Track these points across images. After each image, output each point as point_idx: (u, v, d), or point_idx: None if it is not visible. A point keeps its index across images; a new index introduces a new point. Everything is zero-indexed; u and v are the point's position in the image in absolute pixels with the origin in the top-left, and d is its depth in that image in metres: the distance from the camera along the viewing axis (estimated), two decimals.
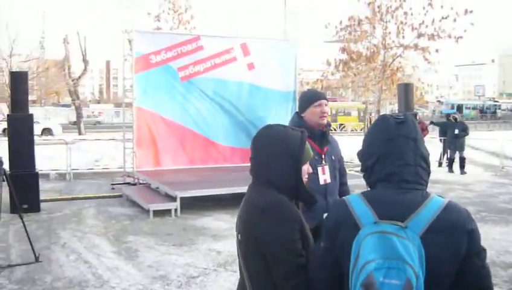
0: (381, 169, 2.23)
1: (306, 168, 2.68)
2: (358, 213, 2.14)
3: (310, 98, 4.56)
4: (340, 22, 23.88)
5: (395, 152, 2.21)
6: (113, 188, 14.42)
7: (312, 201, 2.71)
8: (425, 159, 2.24)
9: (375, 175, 2.26)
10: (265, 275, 2.47)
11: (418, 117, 19.31)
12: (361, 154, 2.36)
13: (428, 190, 2.22)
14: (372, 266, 1.93)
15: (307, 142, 2.69)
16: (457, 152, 19.22)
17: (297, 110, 4.80)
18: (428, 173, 2.26)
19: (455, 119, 19.98)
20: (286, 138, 2.64)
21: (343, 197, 2.29)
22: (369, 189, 2.31)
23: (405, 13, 22.55)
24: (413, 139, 2.23)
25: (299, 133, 2.69)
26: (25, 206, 9.46)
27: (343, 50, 24.22)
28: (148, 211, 11.13)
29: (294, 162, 2.61)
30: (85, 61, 35.64)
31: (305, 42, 17.58)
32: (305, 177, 2.68)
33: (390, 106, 46.69)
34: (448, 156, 19.91)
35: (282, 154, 2.60)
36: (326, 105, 4.55)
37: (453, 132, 19.22)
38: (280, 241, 2.43)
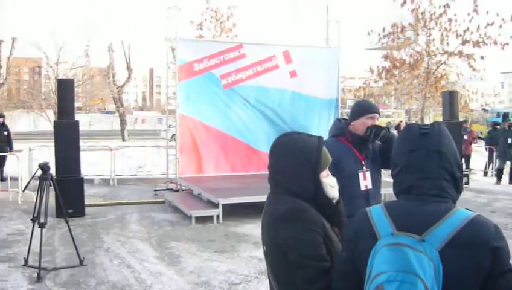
0: (403, 181, 2.20)
1: (325, 174, 2.67)
2: (378, 224, 2.12)
3: (364, 110, 4.61)
4: (383, 29, 23.71)
5: (416, 165, 2.17)
6: (155, 194, 14.58)
7: (331, 207, 2.68)
8: (451, 172, 2.17)
9: (398, 186, 2.24)
10: (292, 283, 2.47)
11: (466, 125, 18.69)
12: (391, 163, 2.34)
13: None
14: (384, 277, 1.91)
15: (324, 148, 2.68)
16: (507, 162, 18.40)
17: (339, 117, 4.87)
18: (456, 186, 2.19)
19: (510, 127, 19.01)
20: (303, 145, 2.64)
21: (366, 208, 2.27)
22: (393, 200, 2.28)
23: (449, 20, 22.25)
24: (437, 151, 2.16)
25: (316, 140, 2.69)
26: (70, 210, 9.63)
27: (386, 57, 24.02)
28: (190, 217, 11.21)
29: (312, 169, 2.61)
30: (129, 69, 36.14)
31: (346, 49, 17.65)
32: (330, 185, 2.67)
33: (434, 114, 46.06)
34: (497, 166, 18.90)
35: (299, 162, 2.60)
36: (377, 119, 4.61)
37: (506, 141, 18.20)
38: (302, 247, 2.43)
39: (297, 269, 2.43)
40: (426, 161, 2.15)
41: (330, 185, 2.67)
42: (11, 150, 16.66)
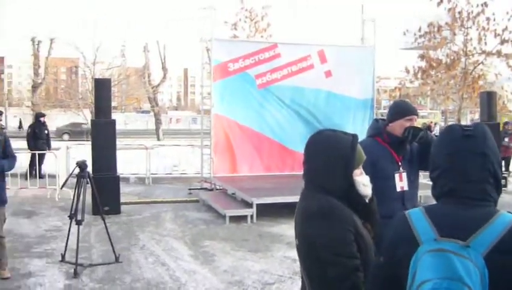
0: (444, 184, 2.13)
1: (358, 172, 2.67)
2: (419, 229, 2.04)
3: (403, 111, 4.56)
4: (419, 29, 23.48)
5: (458, 168, 2.09)
6: (190, 193, 14.68)
7: (364, 205, 2.67)
8: (494, 175, 2.10)
9: (438, 189, 2.16)
10: (324, 279, 2.47)
11: (509, 127, 18.25)
12: (430, 164, 2.25)
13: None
14: (429, 286, 1.85)
15: (358, 146, 2.68)
16: None
17: (375, 117, 4.84)
18: (498, 189, 2.12)
19: None
20: (337, 143, 2.64)
21: (405, 212, 2.19)
22: (433, 203, 2.21)
23: (487, 19, 21.94)
24: (481, 154, 2.09)
25: (351, 137, 2.67)
26: (106, 208, 9.75)
27: (422, 57, 23.79)
28: (224, 217, 11.26)
29: (346, 166, 2.60)
30: (164, 69, 36.46)
31: (381, 49, 17.54)
32: (363, 183, 2.66)
33: (471, 115, 45.48)
34: None
35: (333, 159, 2.60)
36: (415, 121, 4.58)
37: None
38: (333, 244, 2.43)
39: (327, 266, 2.43)
40: (469, 163, 2.09)
41: (363, 183, 2.67)
42: (49, 148, 16.95)
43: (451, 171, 2.11)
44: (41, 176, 15.39)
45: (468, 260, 1.86)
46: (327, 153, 2.62)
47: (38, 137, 16.95)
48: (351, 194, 2.61)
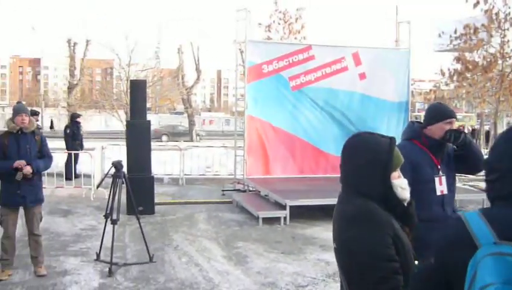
0: (502, 187, 2.06)
1: (396, 175, 2.64)
2: (476, 232, 1.98)
3: (443, 114, 4.51)
4: (455, 31, 23.16)
5: None
6: (223, 194, 14.73)
7: (402, 209, 2.64)
8: None
9: (496, 192, 2.10)
10: (363, 282, 2.45)
11: None
12: (485, 166, 2.18)
13: None
14: None
15: (396, 149, 2.65)
16: None
17: (410, 120, 4.79)
18: None
19: None
20: (375, 145, 2.62)
21: (460, 215, 2.13)
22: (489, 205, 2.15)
23: None
24: None
25: (388, 140, 2.66)
26: (140, 208, 9.83)
27: (458, 59, 23.45)
28: (257, 218, 11.26)
29: (383, 170, 2.58)
30: (198, 70, 36.63)
31: (415, 51, 17.24)
32: (400, 187, 2.63)
33: (508, 118, 44.74)
34: None
35: (370, 162, 2.58)
36: (455, 124, 4.55)
37: None
38: (372, 248, 2.41)
39: (366, 270, 2.42)
40: None
41: (401, 186, 2.64)
42: (81, 148, 17.15)
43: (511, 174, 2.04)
44: (76, 176, 15.60)
45: None
46: (365, 156, 2.60)
47: (75, 138, 17.18)
48: (389, 197, 2.60)
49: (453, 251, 2.03)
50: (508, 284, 1.78)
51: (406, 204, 2.67)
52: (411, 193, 2.71)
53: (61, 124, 21.15)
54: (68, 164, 15.82)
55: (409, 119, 14.96)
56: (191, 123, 36.26)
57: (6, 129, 7.41)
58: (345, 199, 2.67)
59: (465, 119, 61.54)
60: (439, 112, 4.56)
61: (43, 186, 7.98)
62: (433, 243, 2.19)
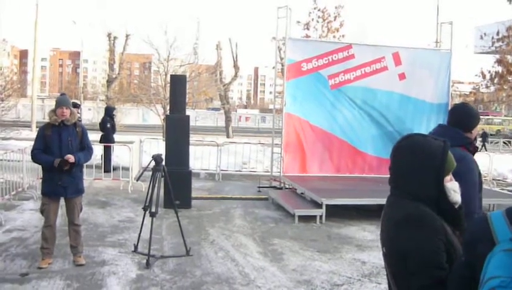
0: None
1: (448, 179, 2.61)
2: (497, 229, 2.06)
3: (479, 116, 4.55)
4: (497, 33, 22.81)
5: None
6: (259, 191, 14.75)
7: (454, 212, 2.62)
8: None
9: None
10: (409, 288, 2.43)
11: None
12: None
13: None
14: (496, 282, 1.85)
15: (449, 152, 2.62)
16: None
17: (443, 122, 4.69)
18: None
19: None
20: (428, 148, 2.59)
21: (487, 213, 2.21)
22: None
23: None
24: None
25: (441, 143, 2.62)
26: (177, 202, 9.88)
27: (500, 62, 23.09)
28: (293, 216, 11.26)
29: (436, 173, 2.56)
30: (236, 67, 36.69)
31: (455, 52, 16.97)
32: (453, 190, 2.60)
33: None
34: None
35: (423, 165, 2.55)
36: None
37: None
38: (422, 254, 2.39)
39: (413, 276, 2.40)
40: None
41: (453, 189, 2.62)
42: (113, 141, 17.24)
43: None
44: (114, 169, 15.79)
45: None
46: (418, 159, 2.58)
47: (113, 131, 17.36)
48: (441, 201, 2.57)
49: (476, 247, 2.11)
50: None
51: (457, 207, 2.64)
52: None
53: (100, 116, 21.39)
54: (107, 157, 15.99)
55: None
56: (228, 119, 36.34)
57: (48, 121, 7.55)
58: (395, 202, 2.65)
59: (504, 123, 60.61)
60: (477, 114, 4.53)
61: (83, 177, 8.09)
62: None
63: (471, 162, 4.20)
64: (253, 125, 62.59)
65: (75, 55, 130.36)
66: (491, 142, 37.57)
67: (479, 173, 4.27)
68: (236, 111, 78.27)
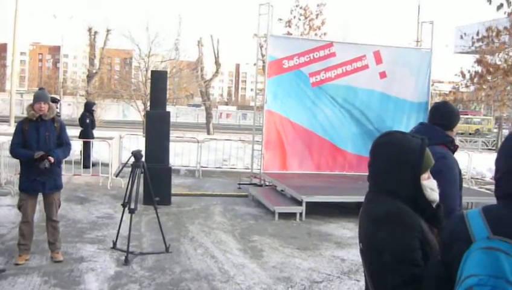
0: (503, 185, 2.13)
1: (426, 177, 2.61)
2: (473, 228, 2.05)
3: (459, 115, 4.56)
4: (477, 33, 22.97)
5: None
6: (239, 188, 14.75)
7: (431, 211, 2.61)
8: None
9: (499, 190, 2.17)
10: (384, 285, 2.43)
11: None
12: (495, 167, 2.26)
13: None
14: (474, 280, 1.86)
15: (427, 150, 2.62)
16: None
17: (423, 121, 4.70)
18: None
19: None
20: (405, 145, 2.58)
21: (463, 211, 2.21)
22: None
23: None
24: None
25: (419, 141, 2.62)
26: (157, 199, 9.85)
27: (479, 62, 23.25)
28: (273, 213, 11.27)
29: (413, 170, 2.55)
30: (217, 63, 36.60)
31: (435, 52, 16.96)
32: (430, 188, 2.60)
33: None
34: None
35: (400, 162, 2.55)
36: None
37: None
38: (398, 251, 2.39)
39: (388, 272, 2.40)
40: None
41: (430, 187, 2.62)
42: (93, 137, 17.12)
43: (511, 174, 2.10)
44: (93, 164, 15.69)
45: None
46: (395, 156, 2.57)
47: (92, 126, 17.24)
48: (418, 198, 2.57)
49: (453, 245, 2.10)
50: (493, 277, 1.83)
51: (434, 206, 2.65)
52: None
53: (79, 112, 21.23)
54: (86, 153, 15.87)
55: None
56: (208, 116, 36.24)
57: (26, 116, 7.47)
58: (373, 198, 2.64)
59: (483, 122, 61.20)
60: (458, 115, 4.54)
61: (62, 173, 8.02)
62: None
63: (452, 160, 4.21)
64: (234, 122, 62.53)
65: (55, 50, 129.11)
66: (470, 141, 37.89)
67: (459, 172, 4.29)
68: (217, 108, 78.08)
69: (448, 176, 3.93)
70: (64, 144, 7.55)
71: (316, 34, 28.42)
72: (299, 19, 29.36)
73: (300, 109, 14.92)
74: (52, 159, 7.20)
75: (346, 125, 15.31)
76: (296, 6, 29.38)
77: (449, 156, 4.21)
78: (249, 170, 16.05)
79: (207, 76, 37.80)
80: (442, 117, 4.45)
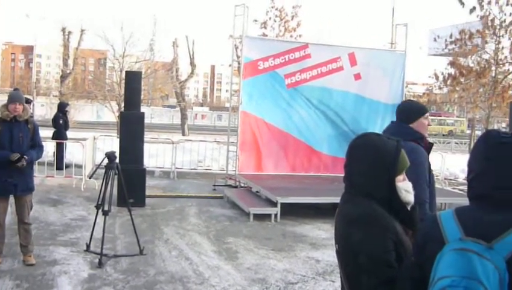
0: (476, 187, 2.16)
1: (401, 178, 2.61)
2: (446, 229, 2.08)
3: (420, 110, 4.54)
4: (451, 35, 23.23)
5: (490, 173, 2.11)
6: (214, 189, 14.70)
7: (406, 212, 2.61)
8: None
9: (471, 192, 2.19)
10: (359, 286, 2.43)
11: None
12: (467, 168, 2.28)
13: None
14: (447, 282, 1.88)
15: (402, 152, 2.62)
16: None
17: (393, 120, 4.72)
18: None
19: None
20: (381, 147, 2.58)
21: (436, 213, 2.23)
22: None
23: None
24: None
25: (395, 142, 2.62)
26: (131, 200, 9.77)
27: (452, 64, 23.50)
28: (248, 214, 11.26)
29: (387, 172, 2.55)
30: (192, 64, 36.49)
31: (409, 54, 17.16)
32: (404, 189, 2.61)
33: (498, 124, 44.95)
34: None
35: (375, 164, 2.55)
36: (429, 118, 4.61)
37: None
38: (371, 252, 2.39)
39: (362, 274, 2.40)
40: (501, 170, 2.09)
41: (405, 189, 2.62)
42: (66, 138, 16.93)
43: (485, 176, 2.13)
44: (67, 166, 15.53)
45: (489, 261, 1.88)
46: (371, 157, 2.57)
47: (65, 127, 17.06)
48: (392, 200, 2.57)
49: (426, 247, 2.13)
50: (466, 278, 1.85)
51: (409, 208, 2.65)
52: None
53: (53, 112, 20.97)
54: (59, 154, 15.70)
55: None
56: (183, 117, 36.10)
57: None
58: (348, 199, 2.64)
59: (456, 124, 61.89)
60: (417, 108, 4.57)
61: (34, 175, 7.91)
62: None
63: (422, 154, 4.25)
64: (209, 123, 62.42)
65: (28, 50, 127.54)
66: (443, 143, 38.27)
67: (429, 168, 4.30)
68: (192, 109, 77.86)
69: (417, 168, 3.94)
70: (37, 145, 7.47)
71: (291, 36, 28.45)
72: (275, 21, 29.40)
73: (275, 110, 14.95)
74: (27, 158, 7.13)
75: (322, 127, 15.37)
76: (272, 7, 29.41)
77: (419, 150, 4.25)
78: (224, 172, 16.02)
79: (182, 77, 37.62)
80: (401, 113, 4.56)
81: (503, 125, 43.74)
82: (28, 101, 12.95)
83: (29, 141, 7.33)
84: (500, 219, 2.02)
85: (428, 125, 4.55)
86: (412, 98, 28.33)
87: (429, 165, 4.37)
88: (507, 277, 1.88)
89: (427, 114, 4.52)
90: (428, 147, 4.46)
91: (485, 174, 2.13)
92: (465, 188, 2.29)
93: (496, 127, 42.32)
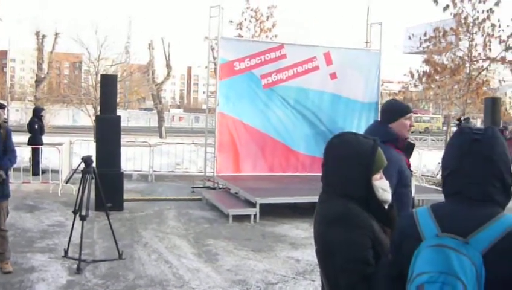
0: (451, 183, 2.19)
1: (378, 177, 2.63)
2: (423, 226, 2.11)
3: (401, 110, 4.44)
4: (425, 33, 23.43)
5: (464, 169, 2.14)
6: (193, 191, 14.65)
7: (383, 211, 2.64)
8: (501, 178, 2.13)
9: (446, 188, 2.22)
10: (337, 284, 2.45)
11: (508, 132, 18.31)
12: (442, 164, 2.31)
13: None
14: (425, 278, 1.91)
15: (379, 150, 2.64)
16: None
17: (374, 119, 4.73)
18: (506, 193, 2.15)
19: None
20: (357, 146, 2.60)
21: (413, 210, 2.27)
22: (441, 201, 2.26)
23: (492, 25, 21.80)
24: (488, 158, 2.12)
25: (371, 142, 2.64)
26: (109, 204, 9.69)
27: (427, 61, 23.70)
28: (227, 216, 11.24)
29: (365, 171, 2.57)
30: (168, 66, 36.39)
31: (384, 52, 17.23)
32: (381, 188, 2.62)
33: (473, 121, 45.44)
34: None
35: (352, 163, 2.56)
36: (412, 118, 4.51)
37: None
38: (349, 250, 2.41)
39: (340, 272, 2.42)
40: (476, 167, 2.12)
41: (382, 188, 2.63)
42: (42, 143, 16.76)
43: (459, 173, 2.16)
44: (43, 171, 15.37)
45: (465, 256, 1.92)
46: (347, 157, 2.59)
47: (41, 132, 16.89)
48: (370, 199, 2.58)
49: (403, 244, 2.16)
50: (443, 273, 1.89)
51: (386, 206, 2.66)
52: (396, 195, 2.70)
53: (28, 117, 20.76)
54: (35, 159, 15.54)
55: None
56: (161, 120, 36.00)
57: None
58: (326, 199, 2.65)
59: (432, 121, 62.45)
60: (399, 108, 4.49)
61: (9, 181, 7.82)
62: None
63: (388, 156, 4.22)
64: (187, 126, 62.17)
65: (2, 54, 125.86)
66: (420, 140, 38.52)
67: (404, 170, 4.24)
68: (169, 111, 77.54)
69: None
70: (9, 151, 7.37)
71: (267, 36, 28.47)
72: (250, 21, 29.38)
73: (252, 111, 14.96)
74: (4, 175, 7.07)
75: (299, 127, 15.41)
76: (247, 8, 29.39)
77: (387, 153, 4.23)
78: (203, 173, 15.98)
79: (158, 79, 37.58)
80: (382, 113, 4.59)
81: (479, 122, 44.20)
82: (2, 107, 12.82)
83: (1, 146, 7.24)
84: (475, 215, 2.05)
85: (411, 126, 4.44)
86: (388, 96, 28.57)
87: (408, 165, 4.37)
88: (484, 272, 1.91)
89: (409, 114, 4.42)
90: (408, 148, 4.43)
91: (459, 170, 2.16)
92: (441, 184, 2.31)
93: (471, 124, 42.69)
